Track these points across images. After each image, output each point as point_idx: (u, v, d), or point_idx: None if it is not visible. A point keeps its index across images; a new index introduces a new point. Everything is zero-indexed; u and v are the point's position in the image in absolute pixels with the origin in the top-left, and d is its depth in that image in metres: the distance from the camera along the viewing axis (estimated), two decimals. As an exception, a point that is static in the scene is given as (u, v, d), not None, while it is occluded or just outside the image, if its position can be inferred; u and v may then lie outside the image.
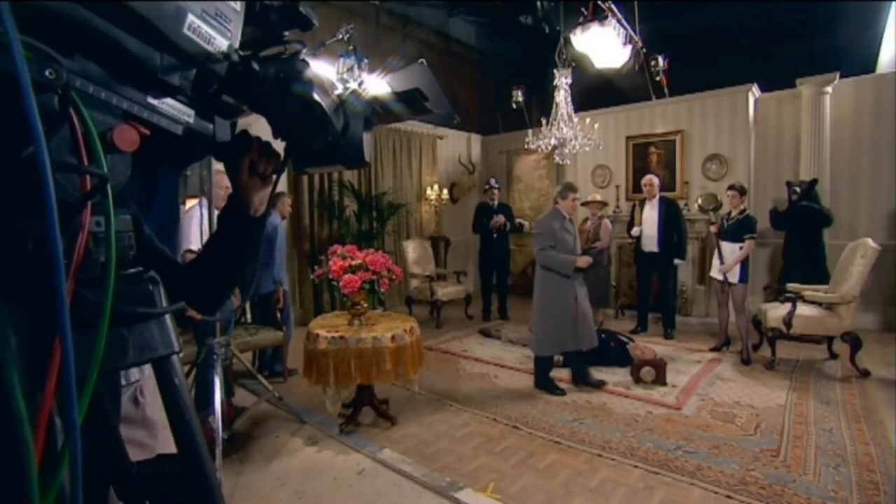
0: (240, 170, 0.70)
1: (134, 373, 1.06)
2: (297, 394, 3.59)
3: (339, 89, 0.68)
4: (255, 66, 0.57)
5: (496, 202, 6.31)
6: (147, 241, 0.75)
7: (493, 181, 6.44)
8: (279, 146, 0.73)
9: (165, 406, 0.54)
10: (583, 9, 4.90)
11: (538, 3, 4.91)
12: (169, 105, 0.54)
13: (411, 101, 0.71)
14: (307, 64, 0.62)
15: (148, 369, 0.94)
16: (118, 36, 0.45)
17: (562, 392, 3.64)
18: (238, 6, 0.53)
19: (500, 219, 6.12)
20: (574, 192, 3.70)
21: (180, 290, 0.75)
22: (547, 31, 4.91)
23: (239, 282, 0.78)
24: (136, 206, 0.73)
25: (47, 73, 0.38)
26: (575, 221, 3.86)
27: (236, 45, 0.54)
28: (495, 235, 6.18)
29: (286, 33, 0.62)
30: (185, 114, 0.56)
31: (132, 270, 0.53)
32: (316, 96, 0.61)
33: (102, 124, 0.45)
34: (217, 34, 0.51)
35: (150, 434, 1.01)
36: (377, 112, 0.71)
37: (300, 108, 0.61)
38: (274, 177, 0.74)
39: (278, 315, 3.82)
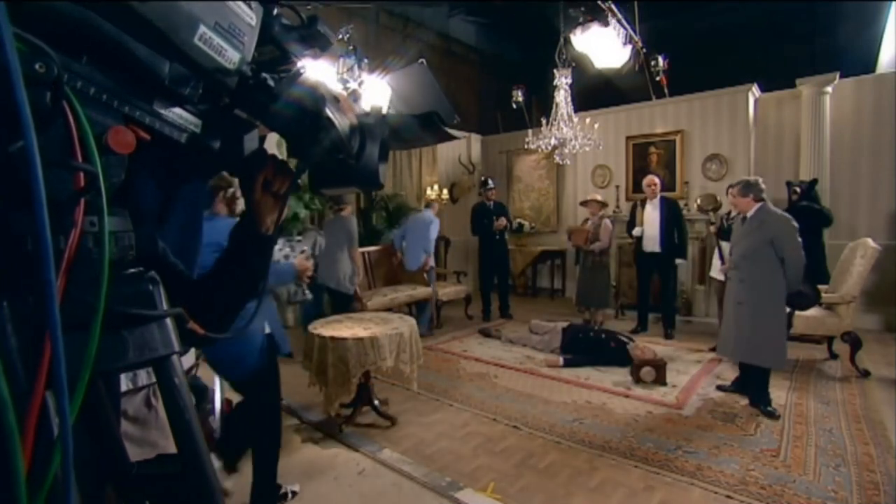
0: (254, 187, 0.70)
1: (143, 376, 1.06)
2: (298, 394, 3.59)
3: (359, 110, 0.68)
4: (270, 82, 0.57)
5: (493, 202, 6.36)
6: (161, 254, 0.75)
7: (489, 182, 6.48)
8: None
9: (165, 406, 0.54)
10: (582, 8, 4.90)
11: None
12: (175, 113, 0.54)
13: (429, 124, 0.70)
14: (322, 81, 0.61)
15: None
16: (127, 42, 0.45)
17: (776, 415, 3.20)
18: (253, 21, 0.53)
19: (503, 221, 6.22)
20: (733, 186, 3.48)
21: (192, 306, 0.76)
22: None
23: (250, 299, 0.77)
24: (153, 218, 0.73)
25: (37, 66, 0.38)
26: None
27: (249, 58, 0.54)
28: (497, 237, 6.26)
29: (306, 52, 0.61)
30: (192, 123, 0.56)
31: (132, 270, 0.53)
32: (328, 112, 0.61)
33: (100, 125, 0.45)
34: (229, 47, 0.51)
35: (164, 434, 1.02)
36: (396, 134, 0.71)
37: (310, 124, 0.61)
38: (286, 197, 0.74)
39: (425, 276, 5.58)
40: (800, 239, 3.17)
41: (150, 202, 0.73)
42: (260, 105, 0.59)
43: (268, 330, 2.23)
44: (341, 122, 0.63)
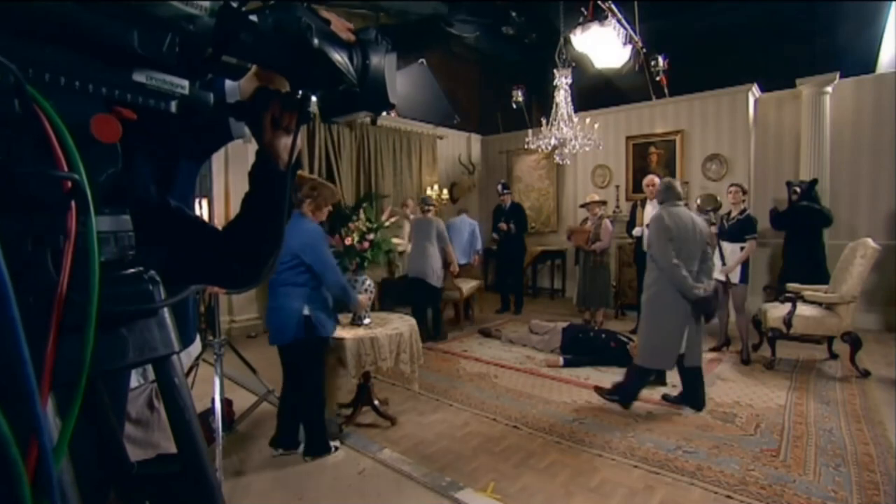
0: (263, 127, 0.69)
1: (152, 371, 1.07)
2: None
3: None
4: (253, 18, 0.53)
5: (508, 205, 6.57)
6: (175, 211, 0.74)
7: (499, 187, 6.64)
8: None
9: (165, 406, 0.54)
10: (583, 9, 4.90)
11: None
12: (158, 80, 0.50)
13: (433, 27, 0.68)
14: (307, 8, 0.57)
15: None
16: (86, 20, 0.43)
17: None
18: None
19: (502, 227, 6.45)
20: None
21: (219, 254, 0.75)
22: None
23: (276, 241, 0.75)
24: (156, 189, 0.72)
25: None
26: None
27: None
28: (503, 237, 6.51)
29: None
30: (178, 86, 0.52)
31: (131, 270, 0.52)
32: (317, 41, 0.57)
33: (81, 115, 0.43)
34: None
35: (167, 436, 1.02)
36: (399, 42, 0.68)
37: (300, 56, 0.57)
38: (298, 130, 0.72)
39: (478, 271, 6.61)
40: (662, 241, 3.14)
41: (148, 182, 0.72)
42: (246, 46, 0.54)
43: (306, 312, 2.63)
44: (336, 48, 0.59)
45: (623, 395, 3.38)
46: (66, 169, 0.41)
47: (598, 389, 3.48)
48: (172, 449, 0.56)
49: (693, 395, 3.33)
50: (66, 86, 0.43)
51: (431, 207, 5.45)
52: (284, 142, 0.70)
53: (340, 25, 0.62)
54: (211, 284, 0.75)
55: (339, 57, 0.59)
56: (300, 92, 0.66)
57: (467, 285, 6.01)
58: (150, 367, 1.03)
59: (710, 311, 3.31)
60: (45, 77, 0.42)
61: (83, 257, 0.43)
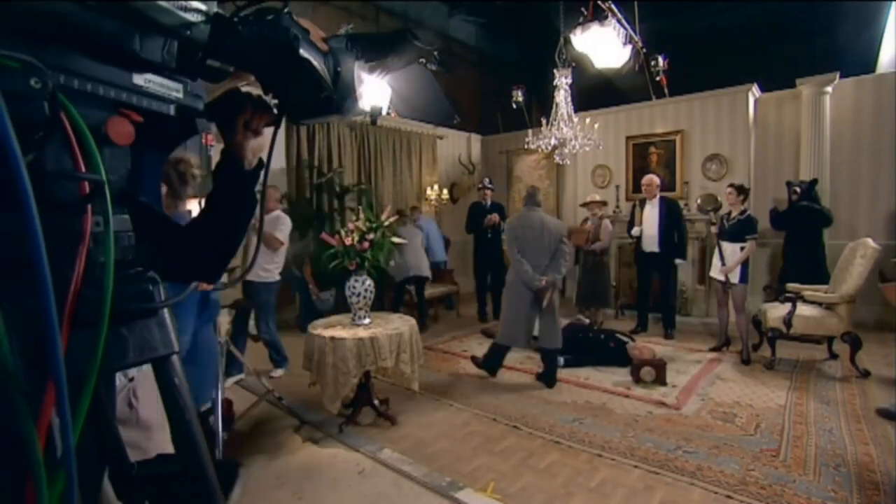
0: (235, 129, 0.70)
1: (132, 370, 1.07)
2: (297, 394, 3.59)
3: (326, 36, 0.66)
4: (239, 27, 0.55)
5: (489, 202, 6.28)
6: (146, 208, 0.74)
7: (486, 181, 6.46)
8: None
9: (165, 406, 0.54)
10: (583, 9, 4.90)
11: None
12: (156, 84, 0.52)
13: (400, 41, 0.70)
14: (292, 19, 0.59)
15: (145, 370, 0.94)
16: (92, 21, 0.44)
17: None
18: None
19: (494, 217, 6.08)
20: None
21: (187, 251, 0.77)
22: None
23: (239, 238, 0.79)
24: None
25: (32, 82, 0.38)
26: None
27: (215, 8, 0.52)
28: (489, 235, 6.17)
29: None
30: (174, 90, 0.54)
31: (132, 270, 0.53)
32: (303, 52, 0.59)
33: (95, 118, 0.44)
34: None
35: (145, 436, 1.02)
36: (368, 53, 0.69)
37: (288, 64, 0.59)
38: (266, 129, 0.75)
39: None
40: (509, 239, 3.89)
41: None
42: (233, 52, 0.56)
43: None
44: (316, 56, 0.61)
45: (488, 365, 4.01)
46: (84, 170, 0.43)
47: (474, 359, 4.15)
48: (151, 448, 0.56)
49: (548, 374, 3.84)
50: (80, 89, 0.45)
51: (417, 216, 6.34)
52: (252, 143, 0.72)
53: (316, 35, 0.64)
54: (186, 280, 0.78)
55: (318, 65, 0.61)
56: (277, 99, 0.68)
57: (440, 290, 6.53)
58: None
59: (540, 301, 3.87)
60: (60, 79, 0.43)
61: (92, 257, 0.44)
